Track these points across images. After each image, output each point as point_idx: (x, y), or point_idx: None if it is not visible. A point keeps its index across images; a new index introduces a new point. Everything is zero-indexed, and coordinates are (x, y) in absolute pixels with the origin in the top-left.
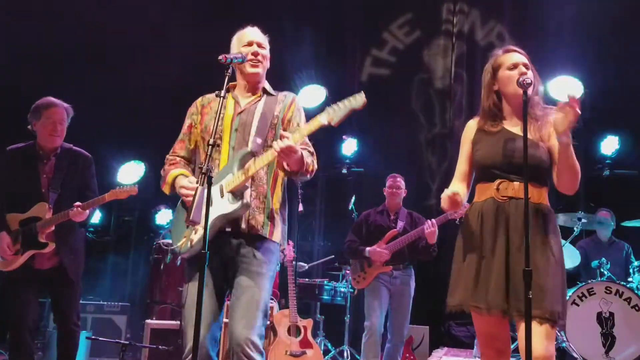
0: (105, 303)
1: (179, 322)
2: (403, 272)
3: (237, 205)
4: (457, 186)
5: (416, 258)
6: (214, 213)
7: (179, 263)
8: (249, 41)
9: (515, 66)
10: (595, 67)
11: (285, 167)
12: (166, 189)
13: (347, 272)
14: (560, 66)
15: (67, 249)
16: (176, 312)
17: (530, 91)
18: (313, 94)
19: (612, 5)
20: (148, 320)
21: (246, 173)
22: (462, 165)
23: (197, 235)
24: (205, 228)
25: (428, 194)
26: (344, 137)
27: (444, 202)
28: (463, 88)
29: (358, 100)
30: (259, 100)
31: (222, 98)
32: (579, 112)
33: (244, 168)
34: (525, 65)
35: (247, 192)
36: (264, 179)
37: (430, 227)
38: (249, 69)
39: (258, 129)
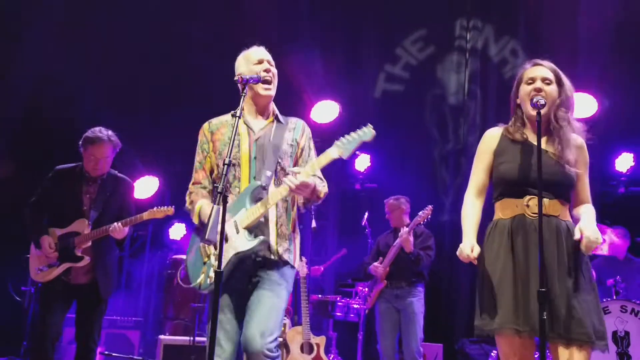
0: (119, 318)
1: (191, 339)
2: (407, 290)
3: (255, 242)
4: (475, 203)
5: (414, 271)
6: (231, 250)
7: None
8: (260, 59)
9: (532, 81)
10: (610, 83)
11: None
12: (195, 220)
13: (360, 289)
14: (575, 82)
15: (102, 267)
16: (189, 328)
17: (546, 110)
18: (326, 109)
19: (627, 21)
20: (161, 336)
21: (260, 209)
22: (479, 176)
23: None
24: (220, 245)
25: (442, 210)
26: (357, 152)
27: (463, 258)
28: (477, 104)
29: (367, 133)
30: (271, 126)
31: (237, 118)
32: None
33: (256, 203)
34: (544, 80)
35: (266, 228)
36: (281, 208)
37: (402, 235)
38: (262, 92)
39: (267, 160)
